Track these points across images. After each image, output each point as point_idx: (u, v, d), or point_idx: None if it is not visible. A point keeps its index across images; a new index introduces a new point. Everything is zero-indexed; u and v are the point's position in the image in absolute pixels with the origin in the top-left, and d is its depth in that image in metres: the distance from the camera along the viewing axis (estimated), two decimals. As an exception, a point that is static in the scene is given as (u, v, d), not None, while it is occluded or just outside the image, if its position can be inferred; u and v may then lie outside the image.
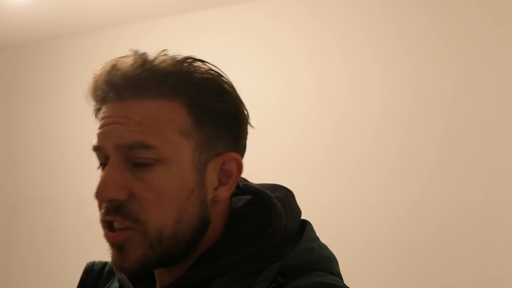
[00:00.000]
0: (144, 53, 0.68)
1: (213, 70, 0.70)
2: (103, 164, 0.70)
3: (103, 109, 0.70)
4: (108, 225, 0.68)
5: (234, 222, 0.71)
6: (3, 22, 3.09)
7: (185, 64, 0.68)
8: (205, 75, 0.68)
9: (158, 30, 3.00)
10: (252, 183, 0.76)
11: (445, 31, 2.33)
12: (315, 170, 2.55)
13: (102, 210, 0.68)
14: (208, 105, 0.68)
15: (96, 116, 0.73)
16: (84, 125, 3.22)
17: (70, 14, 3.00)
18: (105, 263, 0.85)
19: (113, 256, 0.69)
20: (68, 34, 3.31)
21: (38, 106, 3.47)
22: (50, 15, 2.99)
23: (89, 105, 0.72)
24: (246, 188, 0.75)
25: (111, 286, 0.81)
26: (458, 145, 2.27)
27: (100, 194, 0.67)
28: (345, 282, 0.69)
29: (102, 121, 0.69)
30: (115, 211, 0.67)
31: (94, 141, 0.70)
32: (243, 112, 0.71)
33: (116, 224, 0.67)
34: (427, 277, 2.27)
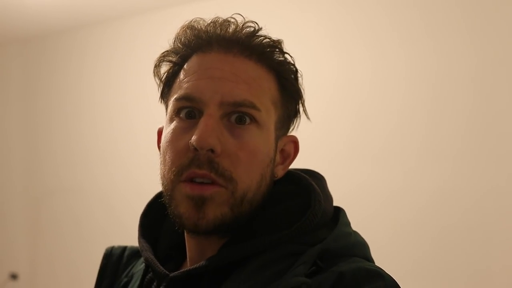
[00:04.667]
0: (248, 21, 0.71)
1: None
2: (186, 112, 0.67)
3: (202, 58, 0.69)
4: (189, 180, 0.65)
5: (272, 202, 0.71)
6: (26, 14, 3.11)
7: (281, 44, 0.73)
8: (292, 60, 0.73)
9: (179, 18, 2.95)
10: None
11: (467, 13, 2.27)
12: (338, 156, 2.52)
13: (193, 163, 0.64)
14: (292, 86, 0.72)
15: (157, 67, 0.72)
16: (105, 116, 3.25)
17: (91, 3, 3.00)
18: (124, 247, 0.84)
19: (187, 211, 0.65)
20: (89, 24, 3.32)
21: (61, 97, 3.49)
22: (71, 4, 2.99)
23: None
24: None
25: (132, 270, 0.80)
26: (482, 128, 2.22)
27: (203, 141, 0.63)
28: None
29: (203, 71, 0.67)
30: (209, 166, 0.64)
31: (191, 89, 0.67)
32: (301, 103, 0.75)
33: (200, 179, 0.65)
34: (455, 263, 2.24)
